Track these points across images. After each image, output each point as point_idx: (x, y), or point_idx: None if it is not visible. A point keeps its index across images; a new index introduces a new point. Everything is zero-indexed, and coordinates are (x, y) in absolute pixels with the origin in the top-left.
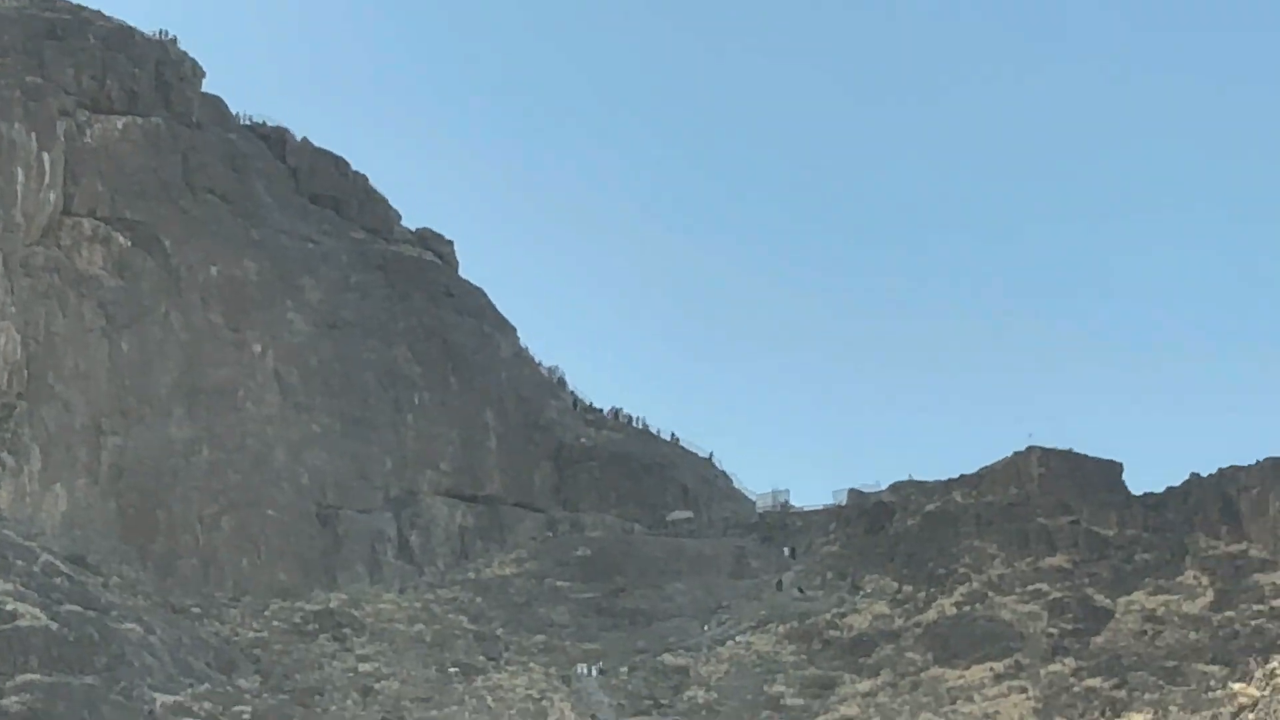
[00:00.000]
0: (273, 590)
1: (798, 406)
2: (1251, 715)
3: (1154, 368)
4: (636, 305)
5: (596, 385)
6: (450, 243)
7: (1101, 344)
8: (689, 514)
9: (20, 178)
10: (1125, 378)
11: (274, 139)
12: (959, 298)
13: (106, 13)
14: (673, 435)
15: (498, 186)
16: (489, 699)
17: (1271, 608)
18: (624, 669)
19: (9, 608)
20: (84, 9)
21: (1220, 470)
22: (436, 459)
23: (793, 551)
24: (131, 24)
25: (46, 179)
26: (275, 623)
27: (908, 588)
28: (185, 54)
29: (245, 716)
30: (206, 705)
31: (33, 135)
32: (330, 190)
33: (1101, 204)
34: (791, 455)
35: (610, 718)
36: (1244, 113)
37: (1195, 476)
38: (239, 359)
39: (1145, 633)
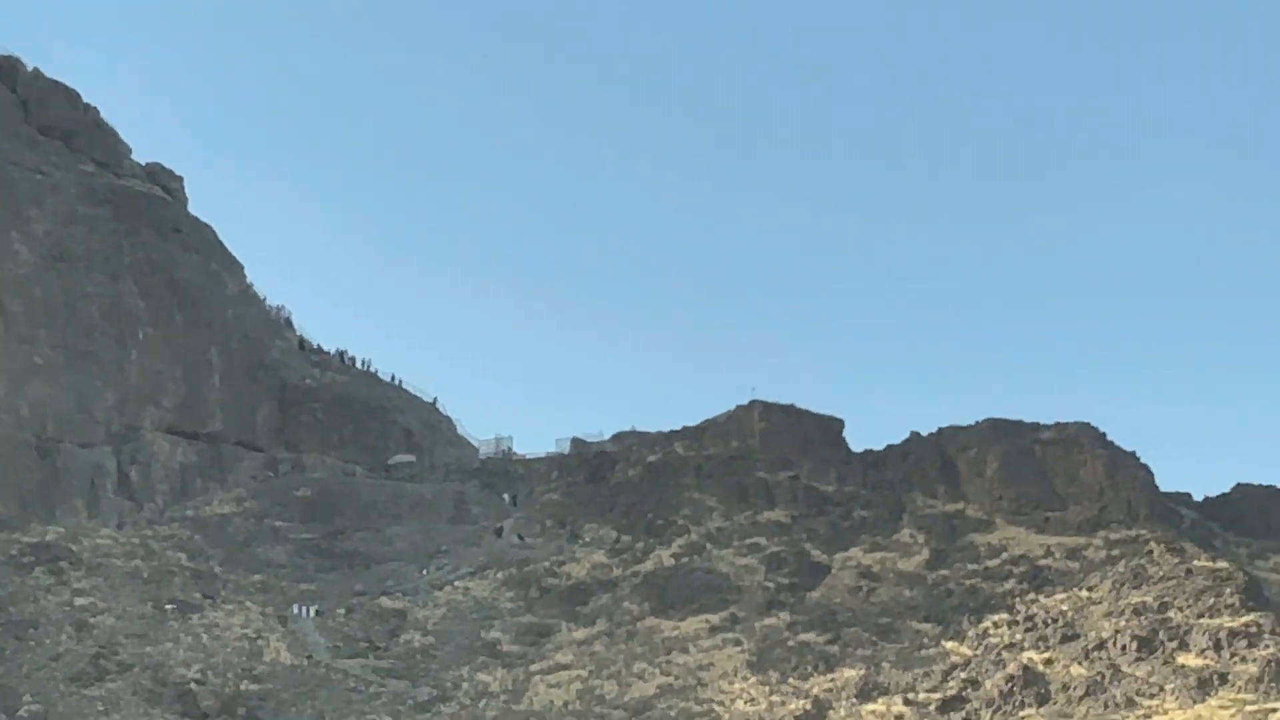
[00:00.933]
0: None
1: (523, 354)
2: (963, 674)
3: (877, 327)
4: (367, 249)
5: (323, 327)
6: (180, 179)
7: (825, 303)
8: (411, 458)
9: None
10: (847, 337)
11: (5, 69)
12: (679, 251)
13: None
14: (396, 378)
15: (233, 122)
16: (204, 636)
17: (986, 568)
18: (341, 611)
19: None
20: None
21: (940, 430)
22: (159, 395)
23: (514, 498)
24: None
25: None
26: None
27: (626, 538)
28: None
29: None
30: None
31: None
32: (60, 122)
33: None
34: (516, 402)
35: (326, 659)
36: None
37: (915, 435)
38: None
39: (860, 589)
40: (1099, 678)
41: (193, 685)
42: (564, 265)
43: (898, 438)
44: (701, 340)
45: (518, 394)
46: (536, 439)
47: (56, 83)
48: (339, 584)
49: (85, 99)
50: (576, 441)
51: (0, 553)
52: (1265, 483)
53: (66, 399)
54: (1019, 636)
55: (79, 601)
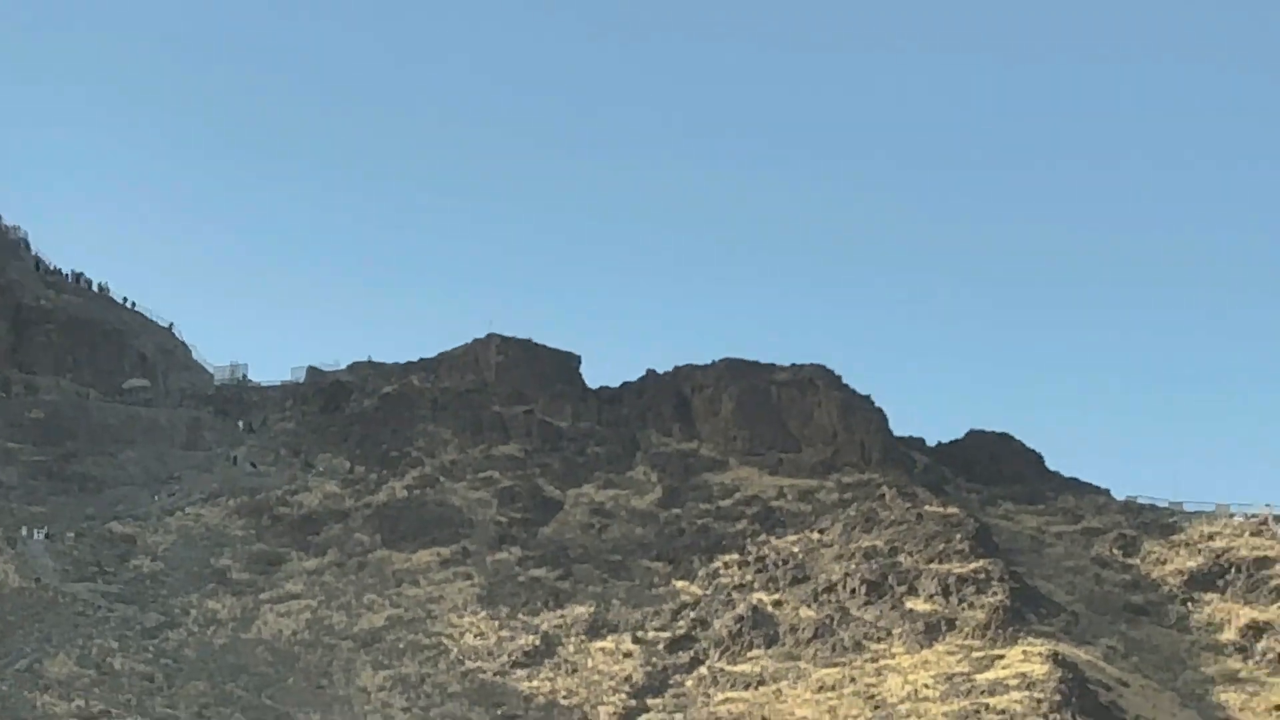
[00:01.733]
0: None
1: (260, 281)
2: (693, 614)
3: (615, 263)
4: (106, 170)
5: (61, 249)
6: None
7: (563, 238)
8: (145, 382)
9: None
10: (586, 272)
11: None
12: (419, 183)
13: None
14: (131, 302)
15: None
16: None
17: (719, 507)
18: (70, 534)
19: None
20: None
21: (676, 368)
22: None
23: (248, 426)
24: None
25: None
26: None
27: (360, 468)
28: None
29: None
30: None
31: None
32: None
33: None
34: (253, 330)
35: (54, 582)
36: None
37: (651, 374)
38: None
39: (593, 526)
40: (828, 620)
41: None
42: (294, 198)
43: (634, 375)
44: (440, 272)
45: (254, 321)
46: (272, 367)
47: None
48: (69, 507)
49: None
50: (312, 371)
51: None
52: (997, 430)
53: None
54: (749, 577)
55: None
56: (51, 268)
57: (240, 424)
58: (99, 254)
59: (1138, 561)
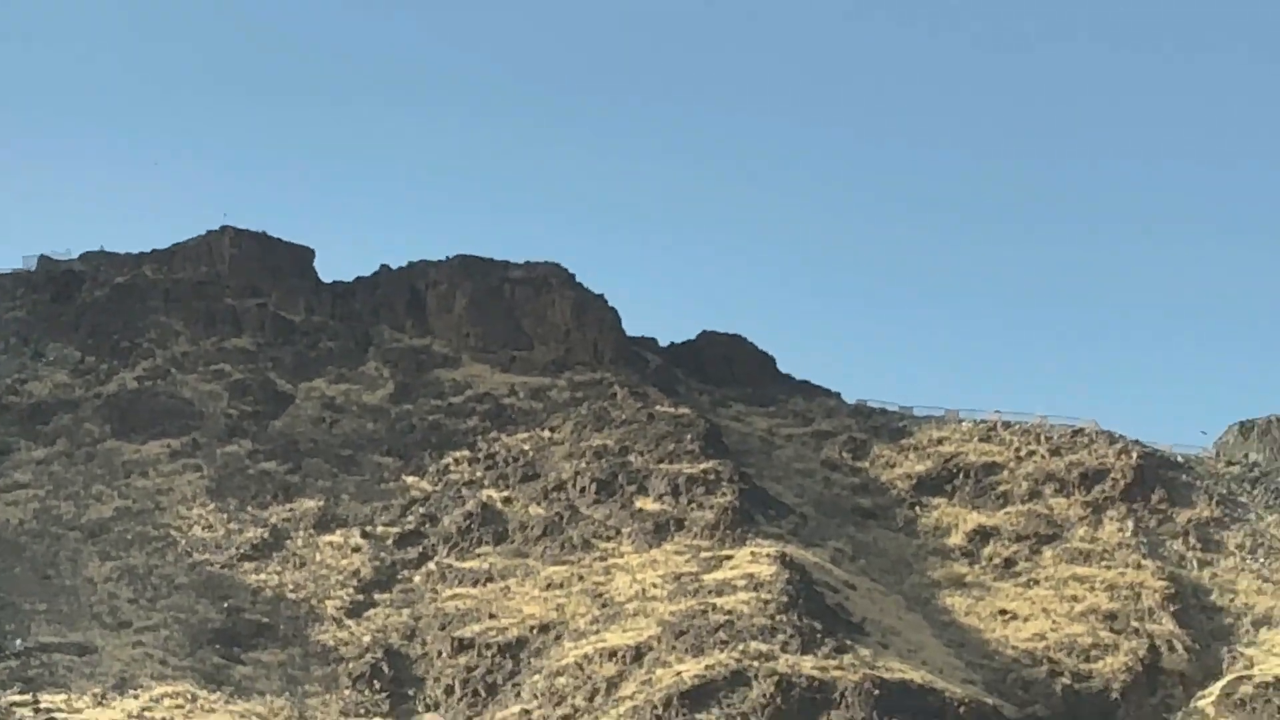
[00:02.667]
0: None
1: None
2: (422, 509)
3: (349, 152)
4: None
5: None
6: None
7: (299, 127)
8: None
9: None
10: (320, 162)
11: None
12: (159, 68)
13: None
14: None
15: None
16: None
17: (450, 404)
18: None
19: None
20: None
21: (410, 264)
22: None
23: None
24: None
25: None
26: None
27: (91, 358)
28: None
29: None
30: None
31: None
32: None
33: None
34: None
35: None
36: None
37: (385, 269)
38: None
39: (324, 420)
40: (557, 519)
41: None
42: (42, 75)
43: (368, 270)
44: (175, 162)
45: None
46: (2, 255)
47: None
48: None
49: None
50: (44, 260)
51: None
52: (729, 331)
53: None
54: (479, 474)
55: None
56: None
57: None
58: None
59: (867, 465)
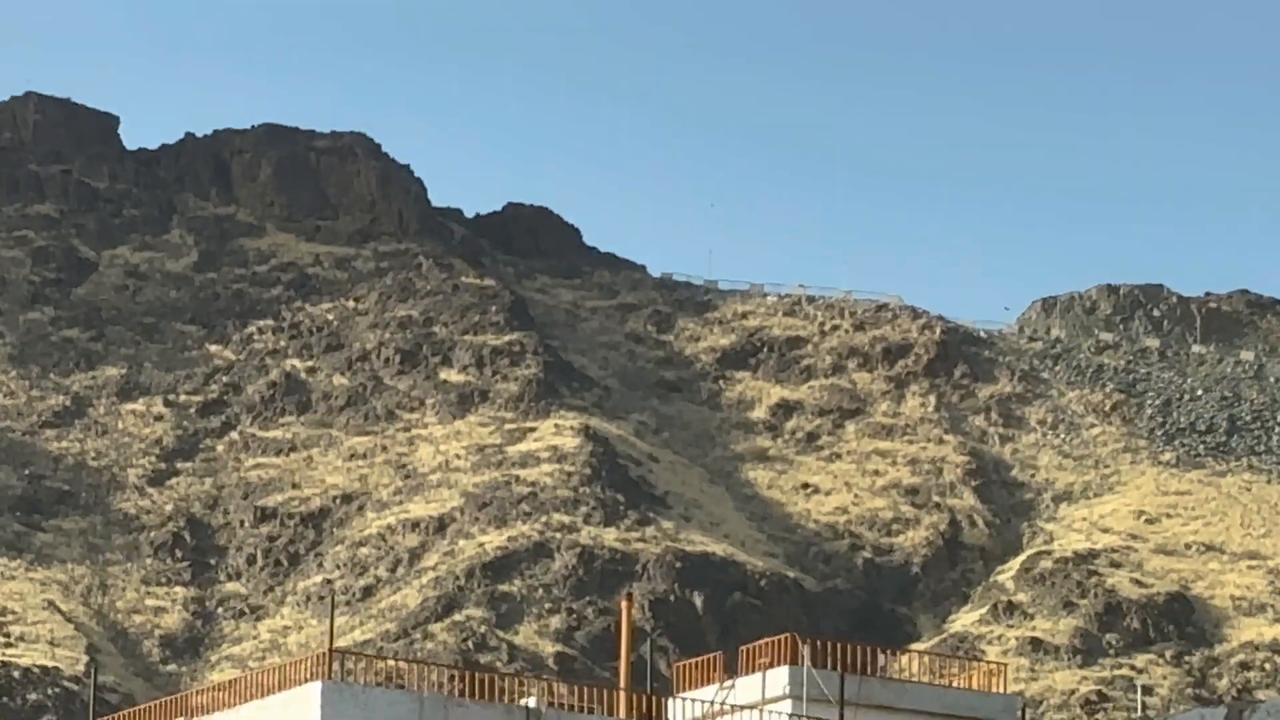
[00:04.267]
0: None
1: None
2: (225, 378)
3: (157, 24)
4: None
5: None
6: None
7: None
8: None
9: None
10: (127, 31)
11: None
12: None
13: None
14: None
15: None
16: None
17: (254, 273)
18: None
19: None
20: None
21: (215, 132)
22: None
23: None
24: None
25: None
26: None
27: None
28: None
29: None
30: None
31: None
32: None
33: None
34: None
35: None
36: None
37: (190, 136)
38: None
39: (127, 288)
40: (361, 389)
41: None
42: None
43: (173, 138)
44: None
45: None
46: None
47: None
48: None
49: None
50: None
51: None
52: (536, 203)
53: None
54: (283, 344)
55: None
56: None
57: None
58: None
59: (671, 338)
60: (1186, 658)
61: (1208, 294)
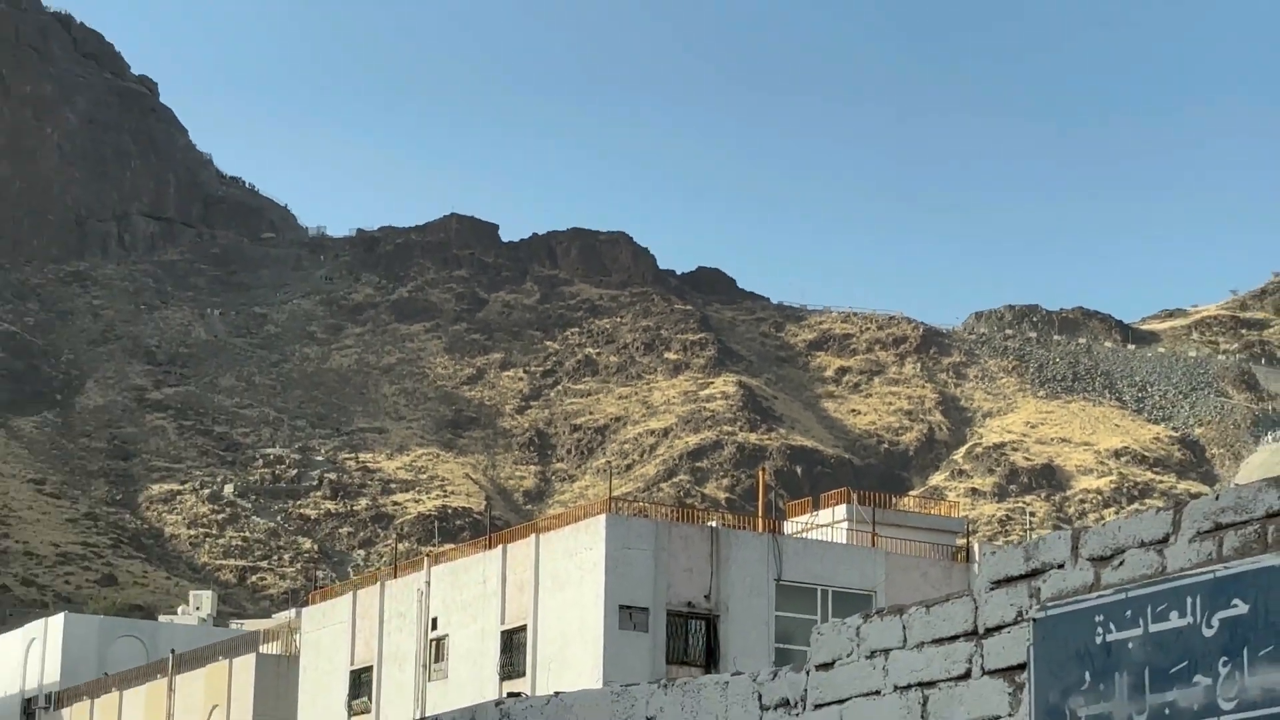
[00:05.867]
0: None
1: None
2: (554, 358)
3: None
4: None
5: None
6: None
7: None
8: None
9: None
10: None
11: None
12: None
13: None
14: None
15: None
16: None
17: (568, 303)
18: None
19: None
20: None
21: (534, 234)
22: None
23: None
24: None
25: None
26: None
27: None
28: None
29: None
30: None
31: None
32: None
33: None
34: None
35: (224, 336)
36: None
37: (535, 234)
38: None
39: (510, 310)
40: (626, 362)
41: None
42: None
43: (518, 235)
44: None
45: None
46: None
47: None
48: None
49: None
50: None
51: None
52: (713, 264)
53: None
54: (584, 339)
55: None
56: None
57: None
58: None
59: (783, 335)
60: (1052, 497)
61: (1061, 309)
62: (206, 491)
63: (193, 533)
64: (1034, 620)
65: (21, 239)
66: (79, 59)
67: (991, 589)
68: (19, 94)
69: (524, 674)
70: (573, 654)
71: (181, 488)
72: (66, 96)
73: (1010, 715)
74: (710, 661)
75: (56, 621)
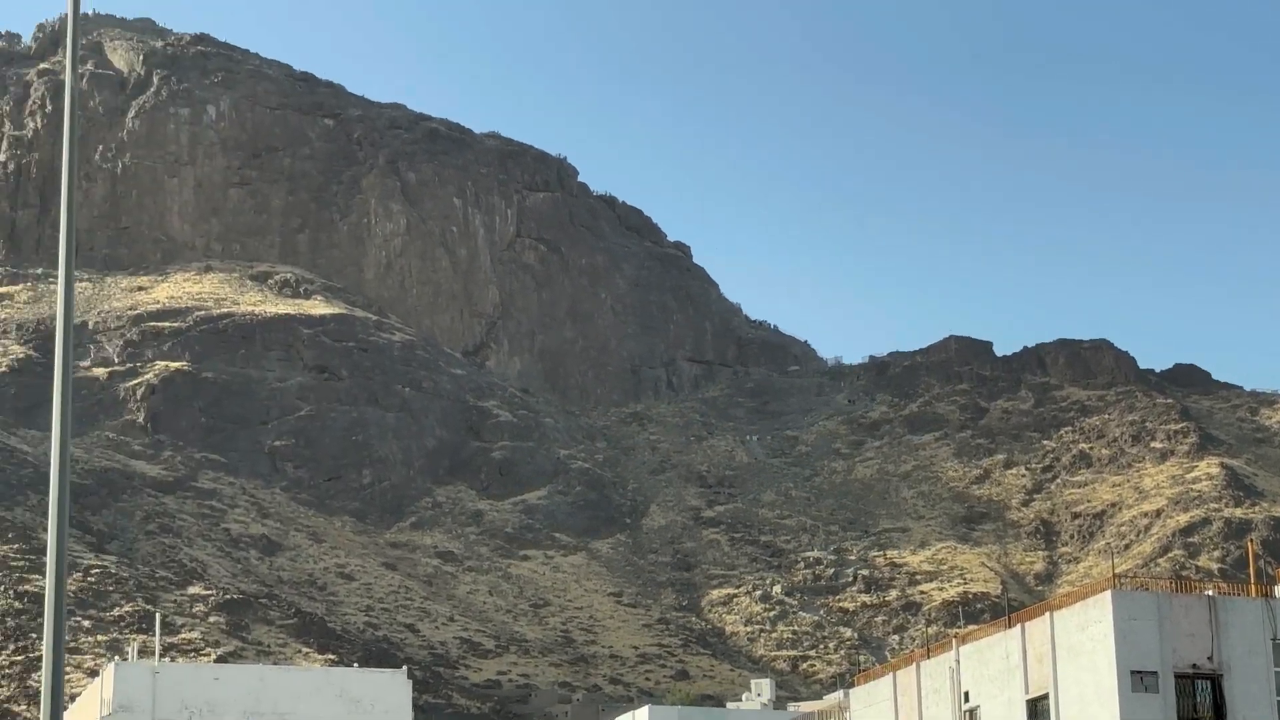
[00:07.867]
0: None
1: None
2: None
3: None
4: None
5: None
6: None
7: None
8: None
9: None
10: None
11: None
12: None
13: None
14: None
15: None
16: None
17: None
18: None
19: None
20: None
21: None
22: None
23: None
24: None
25: None
26: None
27: None
28: None
29: None
30: None
31: None
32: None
33: None
34: None
35: (761, 457)
36: None
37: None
38: None
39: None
40: (1137, 453)
41: None
42: None
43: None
44: None
45: None
46: None
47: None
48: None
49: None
50: None
51: None
52: (1197, 362)
53: None
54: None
55: None
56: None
57: None
58: None
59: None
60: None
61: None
62: (758, 593)
63: (749, 629)
64: None
65: (587, 389)
66: (624, 232)
67: None
68: (576, 266)
69: None
70: (1092, 716)
71: (737, 591)
72: (615, 265)
73: None
74: (1219, 717)
75: (643, 714)
